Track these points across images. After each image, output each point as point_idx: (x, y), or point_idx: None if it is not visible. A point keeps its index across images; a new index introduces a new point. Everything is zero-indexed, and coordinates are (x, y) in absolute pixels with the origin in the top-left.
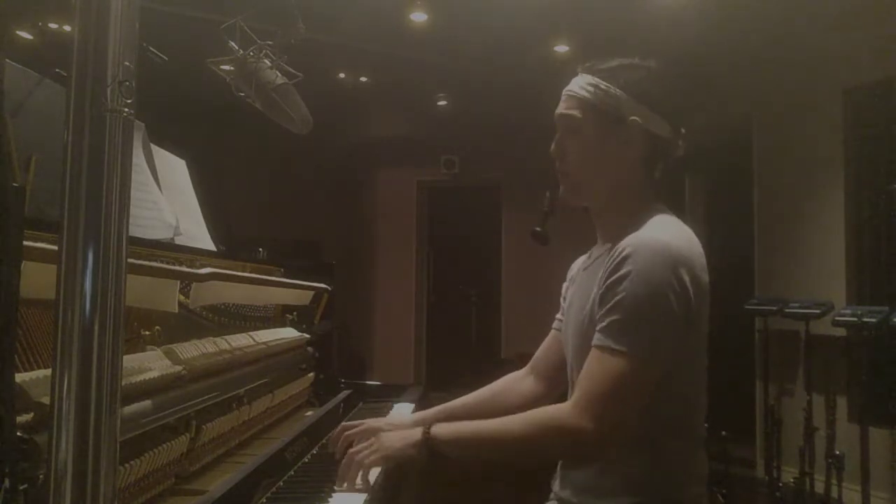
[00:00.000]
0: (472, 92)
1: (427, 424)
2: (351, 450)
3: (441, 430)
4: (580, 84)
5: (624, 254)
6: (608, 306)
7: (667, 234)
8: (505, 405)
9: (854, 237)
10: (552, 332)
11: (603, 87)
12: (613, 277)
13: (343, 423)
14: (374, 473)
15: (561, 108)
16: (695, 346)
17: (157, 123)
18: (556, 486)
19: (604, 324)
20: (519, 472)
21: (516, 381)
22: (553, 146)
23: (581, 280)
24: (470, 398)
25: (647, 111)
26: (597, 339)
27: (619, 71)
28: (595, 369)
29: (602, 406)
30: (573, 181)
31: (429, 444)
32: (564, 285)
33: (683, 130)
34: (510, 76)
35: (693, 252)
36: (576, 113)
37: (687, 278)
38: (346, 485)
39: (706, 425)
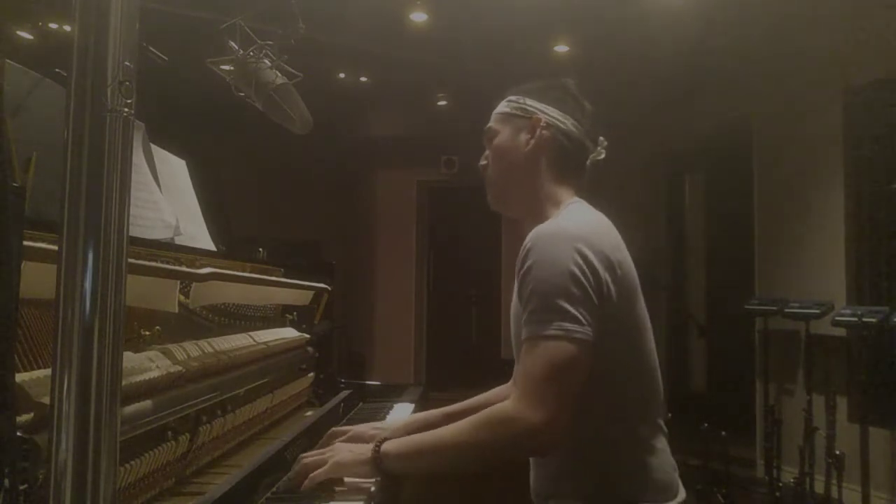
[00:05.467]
0: (472, 92)
1: (380, 440)
2: (302, 454)
3: (391, 446)
4: (502, 103)
5: (527, 248)
6: (524, 301)
7: (565, 219)
8: None
9: (854, 237)
10: None
11: (518, 99)
12: (521, 272)
13: (332, 430)
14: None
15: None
16: (621, 332)
17: (157, 123)
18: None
19: (524, 317)
20: (518, 471)
21: (504, 391)
22: (481, 160)
23: None
24: (456, 407)
25: (555, 111)
26: (523, 333)
27: (536, 88)
28: (527, 360)
29: (541, 392)
30: (494, 189)
31: (377, 462)
32: None
33: (602, 138)
34: (510, 76)
35: (597, 231)
36: (494, 125)
37: (590, 254)
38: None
39: (705, 425)
